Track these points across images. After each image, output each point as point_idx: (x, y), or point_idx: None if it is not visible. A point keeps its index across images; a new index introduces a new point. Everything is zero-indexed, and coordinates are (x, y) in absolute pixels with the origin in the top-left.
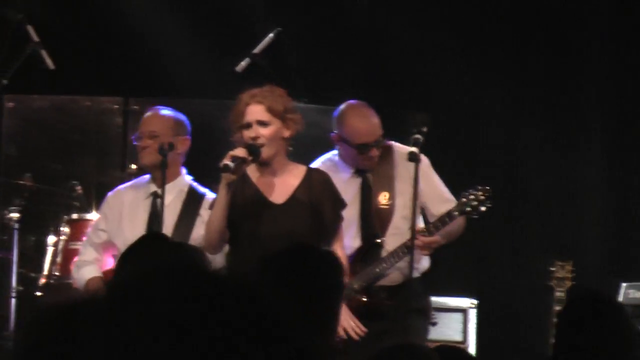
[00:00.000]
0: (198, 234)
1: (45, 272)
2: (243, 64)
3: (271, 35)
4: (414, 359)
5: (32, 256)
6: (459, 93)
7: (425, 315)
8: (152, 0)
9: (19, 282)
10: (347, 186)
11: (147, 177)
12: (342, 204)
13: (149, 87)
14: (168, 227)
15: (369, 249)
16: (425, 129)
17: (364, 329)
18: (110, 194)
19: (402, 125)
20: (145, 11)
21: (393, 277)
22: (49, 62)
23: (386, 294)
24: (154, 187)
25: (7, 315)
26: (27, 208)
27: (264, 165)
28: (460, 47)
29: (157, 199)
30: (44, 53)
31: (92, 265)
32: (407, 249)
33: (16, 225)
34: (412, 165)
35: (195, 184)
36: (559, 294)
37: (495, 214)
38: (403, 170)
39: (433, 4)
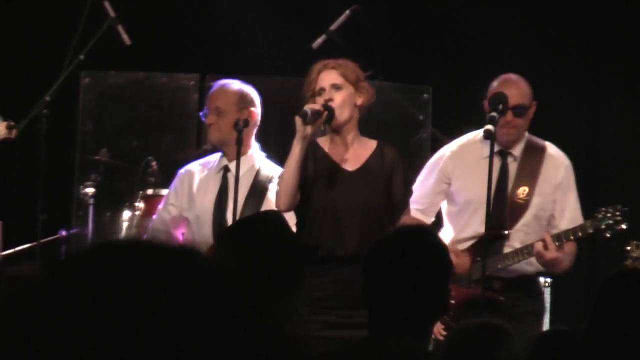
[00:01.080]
0: (268, 208)
1: None
2: (319, 40)
3: (347, 12)
4: (492, 335)
5: (108, 231)
6: (548, 86)
7: (540, 318)
8: None
9: None
10: (485, 164)
11: (219, 153)
12: (410, 184)
13: (225, 64)
14: (238, 201)
15: (492, 240)
16: (501, 107)
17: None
18: (181, 169)
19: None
20: None
21: (508, 270)
22: (126, 38)
23: (501, 286)
24: (224, 162)
25: None
26: (102, 184)
27: (336, 132)
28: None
29: (227, 173)
30: (120, 29)
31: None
32: (533, 253)
33: (91, 201)
34: (561, 170)
35: (267, 161)
36: None
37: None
38: (551, 173)
39: None
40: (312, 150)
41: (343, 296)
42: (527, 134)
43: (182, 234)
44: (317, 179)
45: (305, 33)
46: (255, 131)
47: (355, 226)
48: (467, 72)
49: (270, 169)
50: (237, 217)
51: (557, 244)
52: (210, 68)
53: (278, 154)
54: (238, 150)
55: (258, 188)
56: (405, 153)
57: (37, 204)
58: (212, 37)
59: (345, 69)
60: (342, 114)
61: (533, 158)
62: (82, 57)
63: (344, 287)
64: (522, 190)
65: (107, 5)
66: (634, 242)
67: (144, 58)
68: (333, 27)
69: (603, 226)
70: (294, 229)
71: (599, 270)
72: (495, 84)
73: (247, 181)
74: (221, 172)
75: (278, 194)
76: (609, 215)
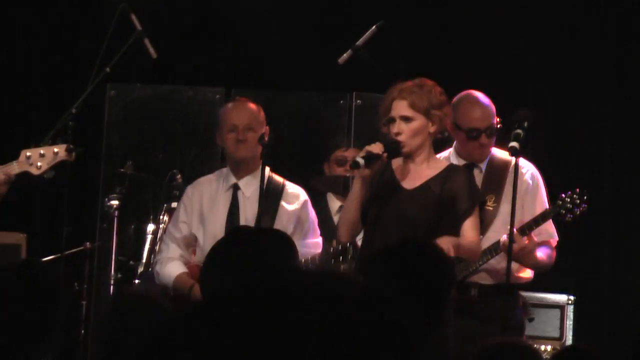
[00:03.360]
0: (280, 225)
1: (144, 260)
2: (345, 56)
3: (374, 27)
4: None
5: (132, 244)
6: (563, 89)
7: (518, 330)
8: None
9: (117, 269)
10: None
11: (225, 169)
12: (478, 198)
13: (251, 78)
14: (249, 220)
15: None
16: (526, 124)
17: None
18: (189, 186)
19: (503, 122)
20: (248, 1)
21: (485, 275)
22: (152, 51)
23: (477, 292)
24: (233, 179)
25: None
26: (127, 196)
27: (407, 157)
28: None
29: (237, 191)
30: (147, 42)
31: (177, 262)
32: (501, 248)
33: (116, 213)
34: (526, 177)
35: (274, 175)
36: None
37: (594, 206)
38: (519, 182)
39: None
40: (382, 168)
41: None
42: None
43: (194, 252)
44: (376, 195)
45: (331, 48)
46: None
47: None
48: (493, 85)
49: (280, 185)
50: None
51: (522, 235)
52: (235, 82)
53: (302, 169)
54: (263, 164)
55: (269, 205)
56: None
57: (62, 216)
58: (238, 51)
59: (417, 97)
60: (411, 145)
61: (498, 168)
62: (108, 69)
63: None
64: (489, 198)
65: (134, 18)
66: None
67: (170, 71)
68: (359, 42)
69: (563, 211)
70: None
71: (622, 286)
72: (462, 106)
73: (257, 198)
74: (230, 191)
75: (339, 225)
76: (568, 200)
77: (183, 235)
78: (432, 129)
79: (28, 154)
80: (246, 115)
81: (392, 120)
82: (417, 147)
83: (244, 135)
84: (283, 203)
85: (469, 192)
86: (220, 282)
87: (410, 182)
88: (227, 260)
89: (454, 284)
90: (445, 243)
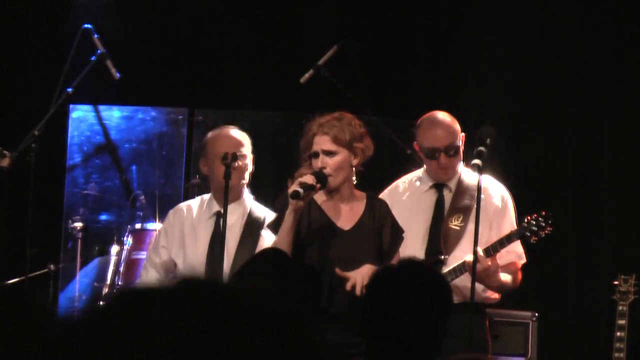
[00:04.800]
0: None
1: (108, 281)
2: (307, 75)
3: (335, 46)
4: None
5: (96, 266)
6: (527, 106)
7: (483, 347)
8: (216, 12)
9: (81, 291)
10: (422, 199)
11: (207, 195)
12: (400, 231)
13: (215, 97)
14: (230, 248)
15: (431, 265)
16: (489, 141)
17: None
18: (170, 211)
19: (466, 138)
20: (209, 22)
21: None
22: (114, 72)
23: None
24: (216, 207)
25: None
26: (91, 218)
27: (332, 191)
28: (520, 63)
29: (220, 219)
30: (109, 63)
31: None
32: (466, 268)
33: (80, 235)
34: (495, 198)
35: (256, 204)
36: (622, 308)
37: (559, 226)
38: (486, 202)
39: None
40: (308, 207)
41: None
42: (461, 164)
43: (173, 276)
44: (312, 236)
45: (293, 67)
46: None
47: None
48: (455, 107)
49: (261, 212)
50: (231, 264)
51: (486, 256)
52: (198, 102)
53: (267, 189)
54: (226, 189)
55: (250, 234)
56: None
57: (25, 238)
58: (200, 71)
59: (339, 130)
60: (336, 178)
61: (468, 187)
62: (70, 90)
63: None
64: (456, 217)
65: (96, 39)
66: (622, 276)
67: (133, 92)
68: (321, 61)
69: (528, 233)
70: None
71: (586, 304)
72: (422, 126)
73: (240, 227)
74: (213, 219)
75: None
76: (533, 222)
77: (162, 260)
78: (354, 161)
79: None
80: (241, 142)
81: (316, 155)
82: (342, 181)
83: (243, 162)
84: (263, 233)
85: (392, 226)
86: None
87: (346, 222)
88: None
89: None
90: (361, 275)
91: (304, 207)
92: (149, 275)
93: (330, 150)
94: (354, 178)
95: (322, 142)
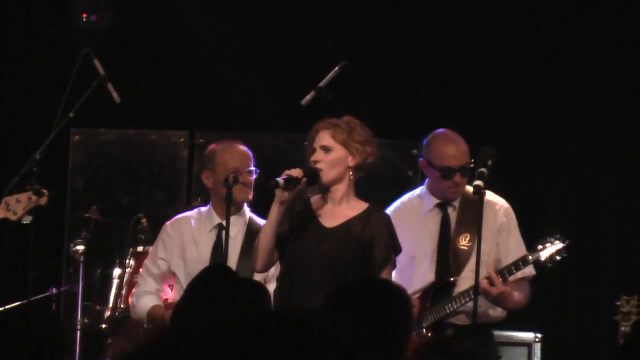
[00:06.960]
0: None
1: (111, 304)
2: (308, 97)
3: (336, 68)
4: None
5: (98, 289)
6: (528, 130)
7: None
8: (218, 34)
9: (84, 314)
10: (428, 219)
11: (205, 207)
12: (397, 249)
13: (215, 120)
14: (232, 260)
15: (441, 287)
16: (490, 162)
17: None
18: (168, 223)
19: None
20: (211, 44)
21: (462, 316)
22: (115, 96)
23: (452, 332)
24: (217, 219)
25: (73, 348)
26: (93, 241)
27: (326, 191)
28: (526, 84)
29: (221, 231)
30: (110, 86)
31: (153, 295)
32: (480, 290)
33: (82, 258)
34: (500, 214)
35: (255, 217)
36: (625, 328)
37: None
38: (490, 218)
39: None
40: (299, 206)
41: None
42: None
43: (171, 287)
44: (294, 232)
45: (294, 90)
46: None
47: (318, 280)
48: (456, 127)
49: (260, 222)
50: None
51: (502, 279)
52: (200, 125)
53: (266, 209)
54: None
55: (251, 244)
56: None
57: (27, 262)
58: (201, 94)
59: (339, 129)
60: (329, 175)
61: (471, 205)
62: (71, 114)
63: None
64: (464, 237)
65: (96, 63)
66: (624, 297)
67: (134, 115)
68: (322, 83)
69: (543, 258)
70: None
71: (589, 325)
72: (435, 144)
73: (240, 239)
74: (215, 231)
75: (254, 252)
76: (548, 245)
77: (161, 271)
78: (351, 162)
79: (7, 200)
80: (249, 157)
81: (314, 151)
82: (334, 179)
83: (249, 178)
84: None
85: (388, 239)
86: (191, 317)
87: (330, 221)
88: (203, 296)
89: (411, 323)
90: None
91: (289, 200)
92: (148, 285)
93: (327, 145)
94: (348, 180)
95: (321, 138)
